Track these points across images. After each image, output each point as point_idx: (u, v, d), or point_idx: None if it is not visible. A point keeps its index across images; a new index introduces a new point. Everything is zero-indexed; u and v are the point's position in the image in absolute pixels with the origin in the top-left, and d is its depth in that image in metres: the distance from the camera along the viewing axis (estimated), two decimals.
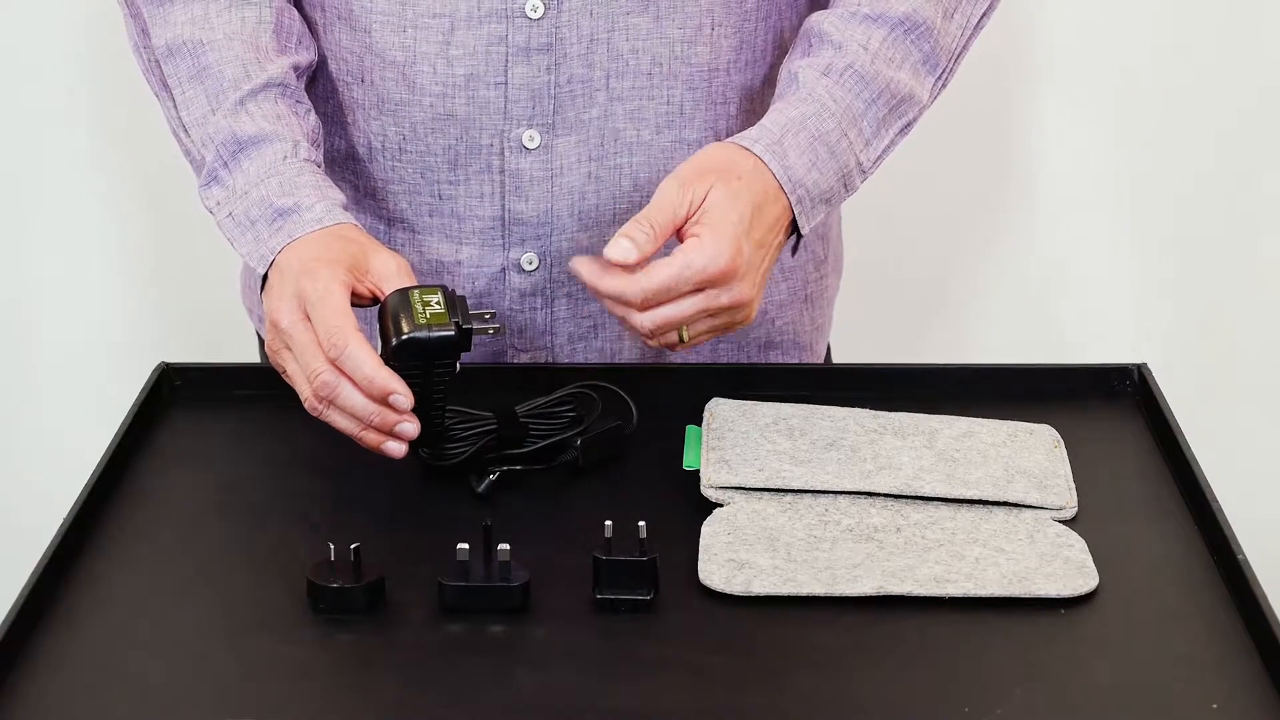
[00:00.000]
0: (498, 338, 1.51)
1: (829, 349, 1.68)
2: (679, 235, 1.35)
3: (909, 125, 1.46)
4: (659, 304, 1.33)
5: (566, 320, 1.53)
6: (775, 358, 1.59)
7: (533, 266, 1.51)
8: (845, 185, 1.43)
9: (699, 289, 1.33)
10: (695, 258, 1.33)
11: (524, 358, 1.53)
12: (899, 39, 1.45)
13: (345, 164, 1.54)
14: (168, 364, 1.48)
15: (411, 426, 1.29)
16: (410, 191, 1.51)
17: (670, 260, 1.33)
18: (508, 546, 1.20)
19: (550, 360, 1.53)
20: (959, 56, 1.49)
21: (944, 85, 1.49)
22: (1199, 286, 2.25)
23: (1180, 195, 2.21)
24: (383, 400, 1.28)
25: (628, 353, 1.54)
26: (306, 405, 1.31)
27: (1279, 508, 2.27)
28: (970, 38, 1.50)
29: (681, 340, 1.36)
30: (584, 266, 1.34)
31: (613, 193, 1.50)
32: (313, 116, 1.46)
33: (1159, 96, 2.18)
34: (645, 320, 1.34)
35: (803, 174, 1.40)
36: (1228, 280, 2.24)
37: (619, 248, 1.32)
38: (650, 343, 1.37)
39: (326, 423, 1.30)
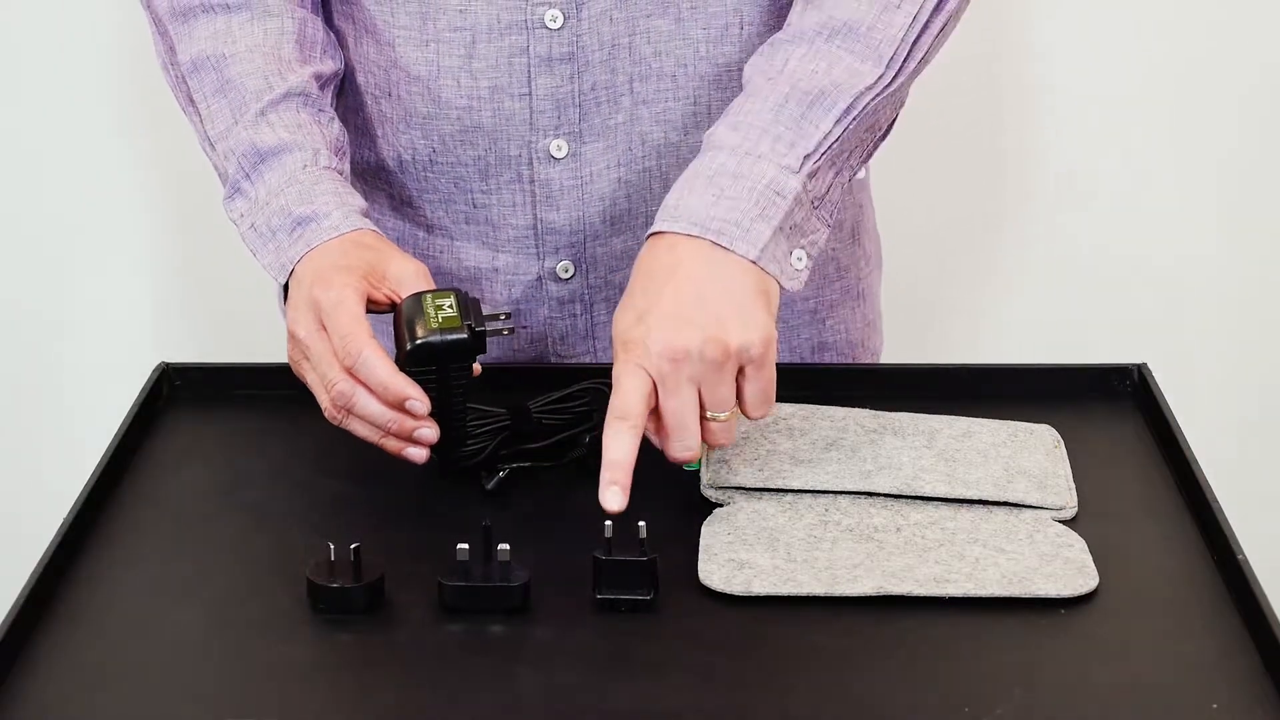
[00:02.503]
0: (514, 337, 1.50)
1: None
2: None
3: (851, 108, 1.35)
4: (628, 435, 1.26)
5: (607, 325, 1.52)
6: (829, 359, 1.58)
7: (569, 274, 1.51)
8: (777, 192, 1.32)
9: (652, 406, 1.27)
10: (613, 399, 1.26)
11: None
12: (818, 50, 1.36)
13: (378, 175, 1.53)
14: (168, 364, 1.47)
15: (430, 432, 1.29)
16: (445, 201, 1.51)
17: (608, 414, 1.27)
18: (508, 546, 1.20)
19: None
20: (916, 42, 1.38)
21: (909, 69, 1.38)
22: (1199, 286, 2.25)
23: (1180, 195, 2.21)
24: (399, 406, 1.28)
25: None
26: (326, 415, 1.31)
27: (1279, 508, 2.27)
28: (928, 22, 1.38)
29: (717, 419, 1.28)
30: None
31: (644, 196, 1.49)
32: (336, 125, 1.45)
33: (1159, 97, 2.19)
34: (666, 446, 1.27)
35: (704, 210, 1.31)
36: (1228, 280, 2.24)
37: (608, 498, 1.24)
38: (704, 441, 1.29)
39: (349, 431, 1.30)
